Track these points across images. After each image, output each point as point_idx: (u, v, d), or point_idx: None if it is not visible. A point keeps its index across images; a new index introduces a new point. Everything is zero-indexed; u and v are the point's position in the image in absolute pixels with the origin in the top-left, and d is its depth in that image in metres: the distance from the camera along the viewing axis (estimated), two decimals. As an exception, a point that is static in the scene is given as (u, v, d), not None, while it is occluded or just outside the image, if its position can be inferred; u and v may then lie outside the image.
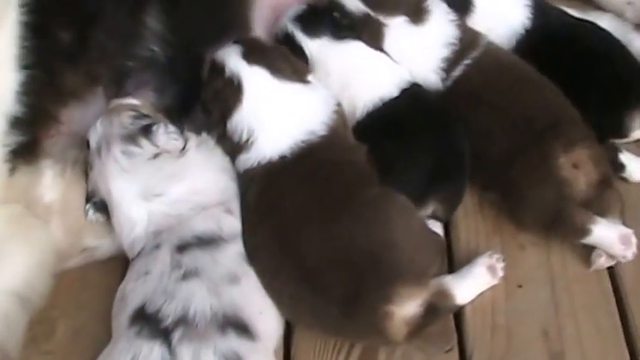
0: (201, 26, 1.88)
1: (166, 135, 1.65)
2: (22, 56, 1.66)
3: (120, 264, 1.72)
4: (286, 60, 1.74)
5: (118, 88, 1.80)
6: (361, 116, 1.78)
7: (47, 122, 1.72)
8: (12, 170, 1.65)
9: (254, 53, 1.72)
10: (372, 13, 1.87)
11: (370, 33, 1.87)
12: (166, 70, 1.84)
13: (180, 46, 1.86)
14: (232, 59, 1.71)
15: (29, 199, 1.69)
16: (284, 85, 1.70)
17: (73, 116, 1.76)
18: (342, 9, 1.88)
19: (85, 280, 1.75)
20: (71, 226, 1.72)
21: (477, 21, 1.99)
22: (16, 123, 1.65)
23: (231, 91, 1.69)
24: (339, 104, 1.73)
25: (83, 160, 1.73)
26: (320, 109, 1.70)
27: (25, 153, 1.67)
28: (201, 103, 1.75)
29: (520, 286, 1.71)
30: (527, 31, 1.99)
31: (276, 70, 1.70)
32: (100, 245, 1.74)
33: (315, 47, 1.84)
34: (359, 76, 1.82)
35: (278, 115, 1.68)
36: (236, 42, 1.76)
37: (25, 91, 1.66)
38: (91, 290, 1.74)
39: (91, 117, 1.74)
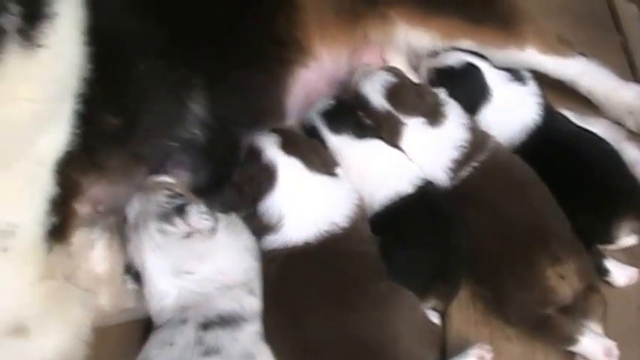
0: (240, 112, 2.01)
1: (199, 215, 1.75)
2: (71, 142, 1.78)
3: (139, 327, 1.83)
4: (317, 153, 1.87)
5: (158, 167, 1.91)
6: (379, 209, 1.91)
7: (87, 201, 1.84)
8: (49, 249, 1.74)
9: (290, 144, 1.85)
10: (393, 112, 1.99)
11: (390, 130, 1.99)
12: (203, 151, 1.97)
13: (219, 129, 1.98)
14: (270, 148, 1.84)
15: (80, 272, 1.80)
16: (314, 177, 1.83)
17: (115, 193, 1.88)
18: (367, 104, 2.00)
19: (105, 339, 1.83)
20: (117, 292, 1.84)
21: (493, 111, 2.11)
22: (55, 203, 1.75)
23: (266, 177, 1.81)
24: (360, 198, 1.86)
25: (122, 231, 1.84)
26: (344, 202, 1.83)
27: (59, 233, 1.77)
28: (235, 184, 1.86)
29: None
30: (537, 127, 2.10)
31: (308, 161, 1.83)
32: (138, 307, 1.83)
33: (337, 143, 1.96)
34: (377, 172, 1.94)
35: (306, 204, 1.80)
36: (274, 131, 1.89)
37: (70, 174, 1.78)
38: (110, 350, 1.83)
39: (131, 193, 1.85)
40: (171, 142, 1.94)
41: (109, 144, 1.85)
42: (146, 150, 1.91)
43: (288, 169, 1.82)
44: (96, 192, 1.86)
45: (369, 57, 2.15)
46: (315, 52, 2.10)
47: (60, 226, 1.77)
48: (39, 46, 1.70)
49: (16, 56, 1.66)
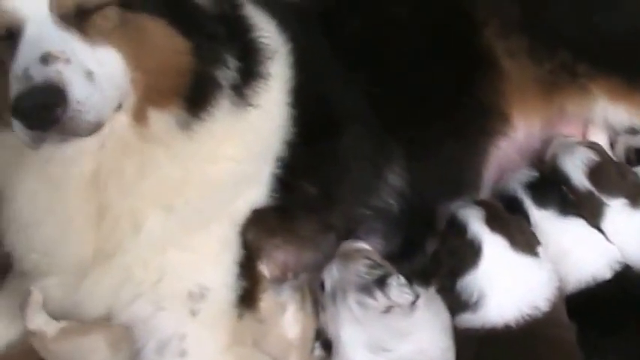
0: (438, 183, 1.96)
1: (399, 288, 1.67)
2: (265, 205, 1.74)
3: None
4: (523, 231, 1.79)
5: (349, 233, 1.87)
6: (572, 292, 1.81)
7: (274, 264, 1.80)
8: (240, 315, 1.72)
9: (496, 220, 1.76)
10: (595, 192, 1.90)
11: (591, 210, 1.90)
12: (396, 220, 1.92)
13: (414, 200, 1.93)
14: (475, 223, 1.76)
15: (270, 337, 1.76)
16: (518, 257, 1.74)
17: (302, 257, 1.85)
18: (567, 182, 1.92)
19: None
20: (305, 356, 1.78)
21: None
22: (243, 266, 1.73)
23: (470, 253, 1.73)
24: (560, 280, 1.77)
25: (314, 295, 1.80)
26: (546, 284, 1.74)
27: (248, 298, 1.74)
28: (435, 256, 1.80)
29: None
30: None
31: (514, 240, 1.74)
32: None
33: (540, 217, 1.88)
34: (576, 252, 1.84)
35: (510, 285, 1.71)
36: (478, 204, 1.81)
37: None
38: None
39: (318, 257, 1.83)
40: (364, 211, 1.90)
41: (302, 211, 1.81)
42: (338, 218, 1.86)
43: (493, 246, 1.74)
44: (283, 256, 1.82)
45: (564, 128, 2.07)
46: (513, 122, 2.02)
47: (249, 291, 1.73)
48: (250, 105, 1.67)
49: (227, 114, 1.63)
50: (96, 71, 1.44)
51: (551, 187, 1.92)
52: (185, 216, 1.65)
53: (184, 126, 1.57)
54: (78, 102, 1.39)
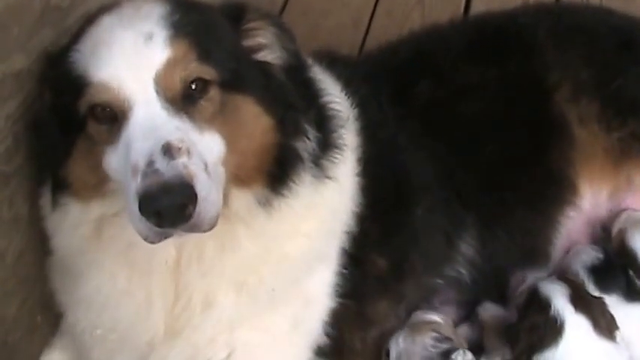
0: (509, 252, 1.92)
1: None
2: (338, 285, 1.68)
3: None
4: (604, 314, 1.73)
5: (421, 303, 1.84)
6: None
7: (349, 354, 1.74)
8: None
9: (580, 300, 1.71)
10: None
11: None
12: (468, 288, 1.88)
13: (485, 269, 1.89)
14: (559, 301, 1.70)
15: None
16: (598, 341, 1.69)
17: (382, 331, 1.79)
18: (635, 260, 1.86)
19: None
20: None
21: None
22: (320, 354, 1.68)
23: (551, 331, 1.68)
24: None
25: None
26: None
27: None
28: (511, 328, 1.74)
29: None
30: None
31: (596, 323, 1.69)
32: None
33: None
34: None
35: (588, 368, 1.66)
36: (561, 280, 1.76)
37: (332, 322, 1.69)
38: None
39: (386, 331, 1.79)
40: (436, 281, 1.86)
41: (375, 289, 1.75)
42: (410, 289, 1.82)
43: (576, 327, 1.68)
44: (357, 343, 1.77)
45: (631, 199, 2.00)
46: (580, 191, 1.97)
47: None
48: (327, 177, 1.60)
49: (307, 188, 1.57)
50: (209, 161, 1.38)
51: (617, 271, 1.86)
52: (257, 294, 1.59)
53: (265, 203, 1.52)
54: (204, 199, 1.33)
